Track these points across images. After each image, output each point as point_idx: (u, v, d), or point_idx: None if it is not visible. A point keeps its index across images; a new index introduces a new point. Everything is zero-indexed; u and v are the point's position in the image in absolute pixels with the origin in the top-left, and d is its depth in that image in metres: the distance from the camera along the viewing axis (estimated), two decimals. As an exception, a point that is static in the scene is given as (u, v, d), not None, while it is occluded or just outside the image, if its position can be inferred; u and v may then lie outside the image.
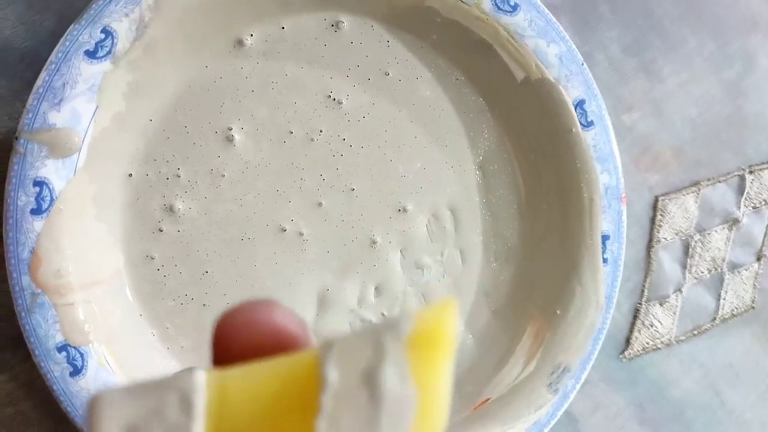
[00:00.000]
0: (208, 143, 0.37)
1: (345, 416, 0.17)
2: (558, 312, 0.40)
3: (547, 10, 0.37)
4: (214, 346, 0.19)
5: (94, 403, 0.17)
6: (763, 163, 0.48)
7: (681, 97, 0.46)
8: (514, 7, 0.37)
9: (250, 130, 0.37)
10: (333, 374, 0.17)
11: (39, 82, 0.32)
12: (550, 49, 0.38)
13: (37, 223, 0.33)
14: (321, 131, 0.38)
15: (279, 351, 0.18)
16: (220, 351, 0.18)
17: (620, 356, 0.46)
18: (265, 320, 0.19)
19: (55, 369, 0.33)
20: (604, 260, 0.40)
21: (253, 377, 0.18)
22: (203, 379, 0.17)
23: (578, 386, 0.40)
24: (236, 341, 0.18)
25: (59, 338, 0.33)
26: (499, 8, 0.37)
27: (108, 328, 0.35)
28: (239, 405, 0.17)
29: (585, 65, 0.38)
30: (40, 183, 0.33)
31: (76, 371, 0.33)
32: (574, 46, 0.38)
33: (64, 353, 0.33)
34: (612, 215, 0.40)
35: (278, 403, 0.17)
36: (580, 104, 0.38)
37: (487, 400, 0.40)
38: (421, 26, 0.38)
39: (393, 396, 0.16)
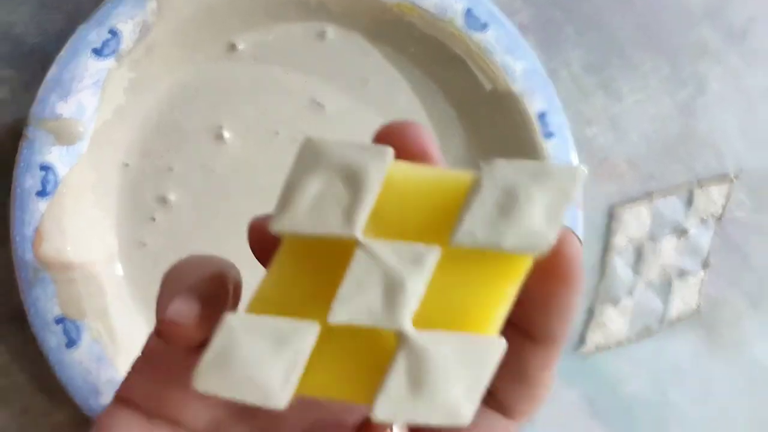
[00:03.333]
0: (200, 140, 0.40)
1: (485, 212, 0.20)
2: None
3: (514, 28, 0.41)
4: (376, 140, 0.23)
5: (309, 142, 0.22)
6: (710, 179, 0.52)
7: (637, 114, 0.50)
8: (484, 25, 0.41)
9: (239, 130, 0.40)
10: (487, 182, 0.20)
11: (49, 75, 0.36)
12: (517, 64, 0.42)
13: (42, 204, 0.36)
14: (305, 133, 0.41)
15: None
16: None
17: (575, 352, 0.50)
18: (418, 138, 0.23)
19: (51, 340, 0.36)
20: None
21: (417, 172, 0.22)
22: (392, 152, 0.21)
23: None
24: (393, 143, 0.22)
25: (57, 311, 0.37)
26: (470, 26, 0.41)
27: (102, 305, 0.38)
28: (402, 189, 0.21)
29: (549, 80, 0.42)
30: (45, 167, 0.36)
31: (71, 343, 0.37)
32: (539, 62, 0.42)
33: (60, 325, 0.37)
34: (569, 220, 0.44)
35: (432, 198, 0.21)
36: (542, 116, 0.42)
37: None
38: (400, 39, 0.42)
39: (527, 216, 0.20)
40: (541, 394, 0.25)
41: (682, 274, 0.52)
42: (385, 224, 0.21)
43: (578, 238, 0.22)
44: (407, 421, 0.20)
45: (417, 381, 0.20)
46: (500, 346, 0.20)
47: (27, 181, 0.36)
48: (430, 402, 0.19)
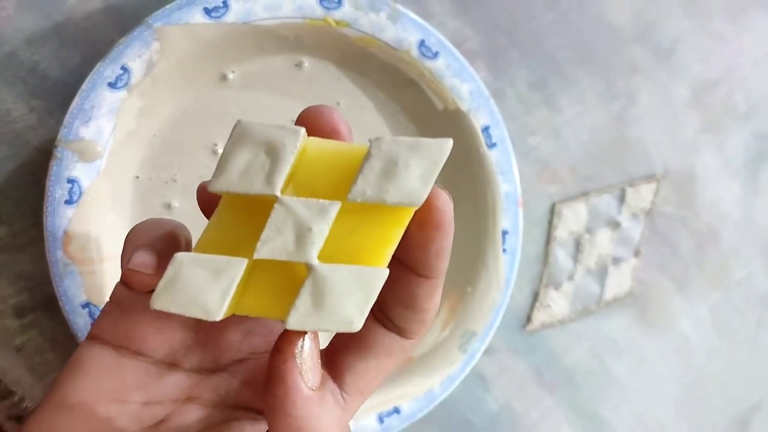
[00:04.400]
0: (198, 155, 0.46)
1: (373, 175, 0.24)
2: (468, 290, 0.49)
3: (461, 56, 0.47)
4: (298, 123, 0.27)
5: (240, 124, 0.25)
6: (640, 179, 0.56)
7: (575, 124, 0.54)
8: (436, 54, 0.47)
9: (230, 145, 0.46)
10: (374, 153, 0.24)
11: (73, 105, 0.41)
12: (464, 86, 0.47)
13: (69, 211, 0.41)
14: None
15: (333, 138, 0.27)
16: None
17: (522, 330, 0.54)
18: (330, 119, 0.27)
19: (80, 321, 0.42)
20: (504, 251, 0.49)
21: (326, 145, 0.26)
22: (304, 131, 0.25)
23: (483, 348, 0.49)
24: (311, 123, 0.27)
25: (83, 298, 0.42)
26: (423, 54, 0.46)
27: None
28: (313, 158, 0.25)
29: (491, 99, 0.48)
30: (72, 180, 0.41)
31: (95, 324, 0.43)
32: (482, 84, 0.48)
33: (86, 309, 0.42)
34: (511, 216, 0.49)
35: (336, 165, 0.25)
36: (486, 129, 0.48)
37: (411, 358, 0.49)
38: (365, 67, 0.47)
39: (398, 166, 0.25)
40: (428, 319, 0.28)
41: (617, 261, 0.56)
42: (299, 185, 0.25)
43: (448, 195, 0.25)
44: (313, 329, 0.24)
45: (319, 299, 0.24)
46: (384, 273, 0.24)
47: (57, 191, 0.41)
48: (329, 314, 0.24)
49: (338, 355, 0.28)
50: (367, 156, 0.25)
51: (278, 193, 0.25)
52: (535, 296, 0.55)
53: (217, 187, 0.25)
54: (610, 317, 0.56)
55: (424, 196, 0.24)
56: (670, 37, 0.57)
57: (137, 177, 0.45)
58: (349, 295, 0.24)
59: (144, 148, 0.45)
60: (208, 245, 0.25)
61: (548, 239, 0.54)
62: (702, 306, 0.59)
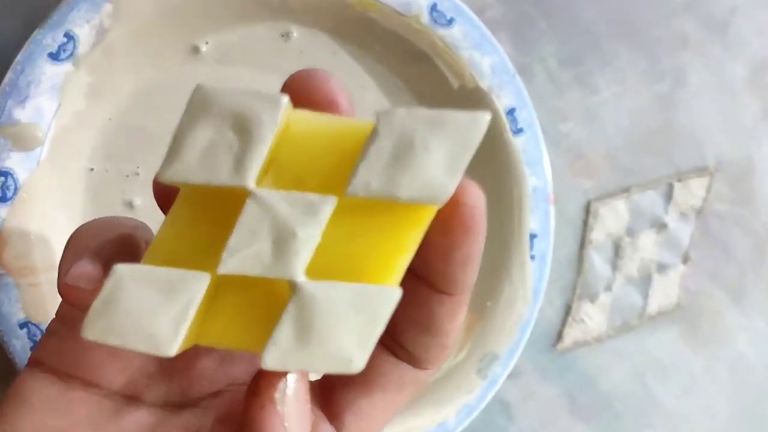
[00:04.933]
0: (164, 143, 0.40)
1: (381, 161, 0.20)
2: (489, 304, 0.44)
3: (481, 24, 0.41)
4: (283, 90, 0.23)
5: (199, 90, 0.21)
6: (690, 172, 0.51)
7: (614, 108, 0.50)
8: (450, 21, 0.41)
9: (204, 132, 0.40)
10: (383, 130, 0.20)
11: (5, 80, 0.36)
12: (484, 60, 0.41)
13: (2, 210, 0.36)
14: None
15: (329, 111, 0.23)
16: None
17: (552, 349, 0.50)
18: (325, 86, 0.23)
19: (17, 344, 0.37)
20: (532, 257, 0.44)
21: (317, 120, 0.22)
22: (287, 100, 0.21)
23: (506, 373, 0.44)
24: (299, 92, 0.22)
25: (21, 315, 0.37)
26: (436, 21, 0.40)
27: (66, 308, 0.38)
28: (300, 137, 0.21)
29: (517, 75, 0.42)
30: (4, 173, 0.36)
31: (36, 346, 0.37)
32: (506, 58, 0.42)
33: (25, 329, 0.37)
34: (540, 215, 0.44)
35: (331, 147, 0.21)
36: (510, 112, 0.42)
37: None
38: (365, 37, 0.42)
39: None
40: (449, 344, 0.25)
41: (662, 268, 0.52)
42: (281, 174, 0.21)
43: (479, 188, 0.22)
44: (297, 369, 0.21)
45: (306, 330, 0.20)
46: (395, 294, 0.20)
47: None
48: (320, 350, 0.20)
49: (335, 391, 0.26)
50: (374, 135, 0.21)
51: (251, 185, 0.21)
52: (567, 310, 0.50)
53: (169, 175, 0.21)
54: (654, 333, 0.52)
55: (451, 190, 0.20)
56: (726, 7, 0.52)
57: (91, 169, 0.40)
58: (347, 323, 0.20)
59: (97, 135, 0.40)
60: (160, 254, 0.22)
61: (582, 243, 0.50)
62: (760, 319, 0.55)
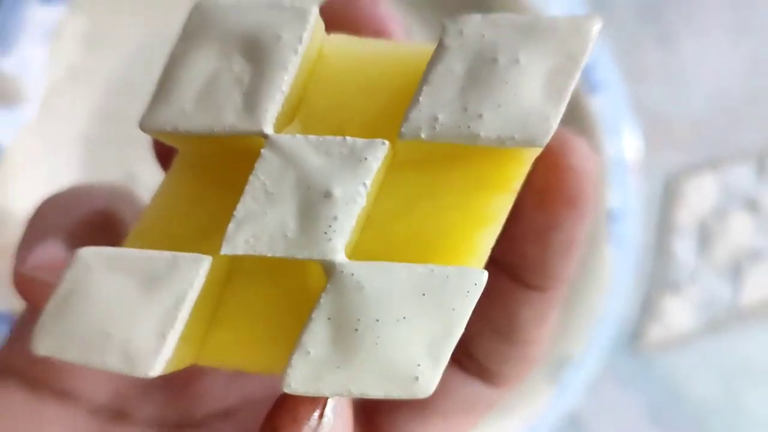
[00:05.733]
0: None
1: (452, 87, 0.16)
2: None
3: None
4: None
5: (199, 5, 0.18)
6: None
7: (699, 69, 0.47)
8: None
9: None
10: (453, 45, 0.16)
11: None
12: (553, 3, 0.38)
13: None
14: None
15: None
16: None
17: (630, 350, 0.47)
18: (371, 10, 0.20)
19: None
20: (612, 241, 0.40)
21: (359, 47, 0.18)
22: (317, 12, 0.17)
23: (581, 377, 0.41)
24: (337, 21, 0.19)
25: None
26: None
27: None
28: (337, 67, 0.18)
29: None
30: None
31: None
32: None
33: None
34: (621, 191, 0.40)
35: (380, 79, 0.18)
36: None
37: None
38: None
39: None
40: (534, 356, 0.22)
41: (755, 256, 0.50)
42: (311, 119, 0.18)
43: (589, 147, 0.19)
44: (335, 394, 0.16)
45: (347, 334, 0.15)
46: (480, 278, 0.15)
47: None
48: (368, 364, 0.15)
49: (380, 413, 0.23)
50: (439, 51, 0.16)
51: (268, 129, 0.17)
52: (647, 304, 0.47)
53: (157, 124, 0.17)
54: (747, 332, 0.50)
55: (553, 126, 0.16)
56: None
57: (86, 135, 0.37)
58: (410, 323, 0.15)
59: (95, 92, 0.37)
60: (148, 235, 0.18)
61: (663, 226, 0.47)
62: None
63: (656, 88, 0.47)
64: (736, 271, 0.49)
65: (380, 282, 0.16)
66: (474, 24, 0.16)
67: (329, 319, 0.16)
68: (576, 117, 0.39)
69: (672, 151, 0.47)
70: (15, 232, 0.33)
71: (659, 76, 0.47)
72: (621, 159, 0.40)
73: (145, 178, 0.37)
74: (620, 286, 0.41)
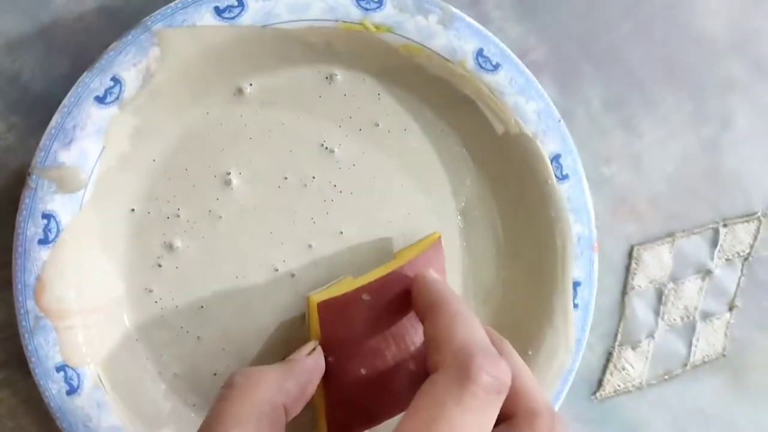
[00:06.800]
0: (207, 186, 0.39)
1: None
2: (530, 353, 0.42)
3: (527, 69, 0.40)
4: None
5: None
6: (737, 218, 0.50)
7: (658, 152, 0.48)
8: (496, 66, 0.39)
9: (247, 175, 0.39)
10: None
11: (52, 123, 0.35)
12: (529, 105, 0.40)
13: (44, 252, 0.36)
14: (313, 178, 0.40)
15: None
16: None
17: (592, 397, 0.48)
18: None
19: (53, 387, 0.36)
20: (575, 305, 0.42)
21: None
22: None
23: None
24: None
25: (58, 359, 0.36)
26: (481, 66, 0.39)
27: (104, 351, 0.37)
28: None
29: (562, 121, 0.41)
30: (48, 216, 0.35)
31: (72, 390, 0.36)
32: (551, 103, 0.40)
33: (62, 373, 0.36)
34: (584, 263, 0.42)
35: None
36: (556, 158, 0.41)
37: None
38: (410, 81, 0.41)
39: None
40: None
41: (707, 316, 0.50)
42: None
43: None
44: None
45: None
46: None
47: (29, 229, 0.35)
48: None
49: None
50: None
51: None
52: (608, 357, 0.48)
53: None
54: (697, 383, 0.51)
55: None
56: (774, 50, 0.50)
57: (132, 210, 0.39)
58: None
59: (140, 176, 0.39)
60: None
61: (624, 289, 0.48)
62: (807, 369, 0.52)
63: (621, 169, 0.47)
64: (688, 330, 0.49)
65: None
66: None
67: None
68: (548, 201, 0.41)
69: (634, 224, 0.48)
70: (70, 291, 0.36)
71: (624, 158, 0.47)
72: (584, 236, 0.42)
73: (178, 246, 0.39)
74: (581, 344, 0.42)
